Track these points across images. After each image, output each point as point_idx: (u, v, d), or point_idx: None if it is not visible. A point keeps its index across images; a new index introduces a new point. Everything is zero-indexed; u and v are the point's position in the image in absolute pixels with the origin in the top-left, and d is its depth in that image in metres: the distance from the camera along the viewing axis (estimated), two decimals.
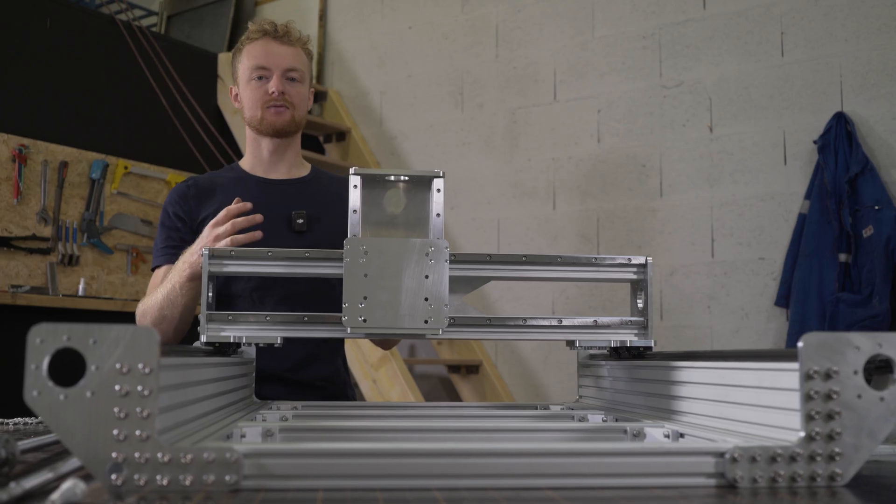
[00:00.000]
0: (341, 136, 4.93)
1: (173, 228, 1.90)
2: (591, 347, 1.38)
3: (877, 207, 3.22)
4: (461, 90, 4.49)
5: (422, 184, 1.29)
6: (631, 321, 1.34)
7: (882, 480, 0.82)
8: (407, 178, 1.29)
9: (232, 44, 5.24)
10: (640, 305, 1.35)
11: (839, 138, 3.36)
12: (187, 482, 0.69)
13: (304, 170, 2.04)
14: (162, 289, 1.72)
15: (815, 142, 3.45)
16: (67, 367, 0.73)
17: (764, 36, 3.65)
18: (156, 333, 0.70)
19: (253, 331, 1.27)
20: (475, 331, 1.31)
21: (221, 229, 1.56)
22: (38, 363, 0.68)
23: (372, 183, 1.28)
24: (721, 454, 0.75)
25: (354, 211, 1.25)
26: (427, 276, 1.21)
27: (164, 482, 0.69)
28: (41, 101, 3.82)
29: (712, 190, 3.71)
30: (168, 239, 1.89)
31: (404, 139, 4.69)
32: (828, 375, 0.76)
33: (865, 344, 0.76)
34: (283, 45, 1.93)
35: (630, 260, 1.34)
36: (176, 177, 4.24)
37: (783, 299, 3.45)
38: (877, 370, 0.78)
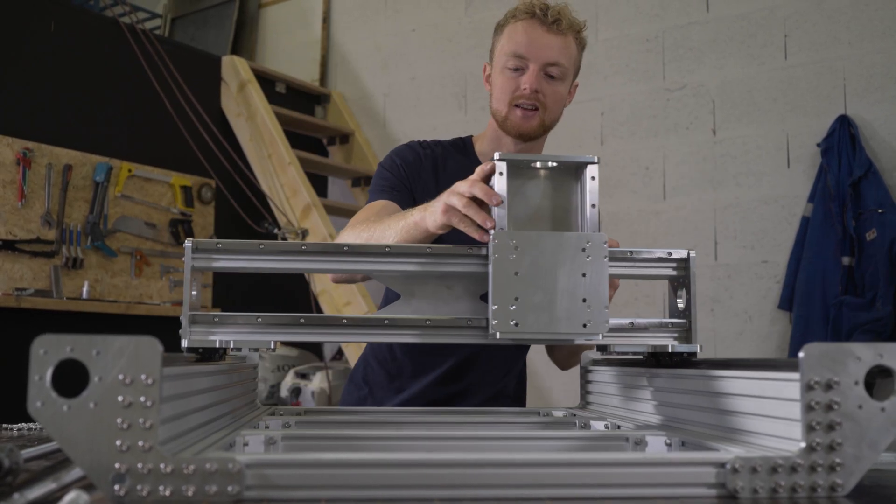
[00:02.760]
0: (345, 138, 4.94)
1: (394, 169, 1.72)
2: (625, 353, 1.24)
3: (880, 210, 3.22)
4: (465, 92, 4.49)
5: (571, 171, 1.15)
6: (672, 323, 1.21)
7: (883, 490, 0.82)
8: (555, 164, 1.15)
9: (236, 46, 5.26)
10: (682, 305, 1.21)
11: (842, 141, 3.35)
12: (190, 493, 0.69)
13: None
14: (388, 219, 1.44)
15: (818, 145, 3.44)
16: (70, 377, 0.73)
17: (767, 39, 3.65)
18: (158, 344, 0.70)
19: (243, 334, 1.12)
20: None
21: (463, 188, 1.19)
22: (41, 374, 0.68)
23: (517, 170, 1.14)
24: (722, 464, 0.75)
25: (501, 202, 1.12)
26: (584, 275, 1.07)
27: (167, 493, 0.69)
28: (45, 104, 3.83)
29: (716, 193, 3.71)
30: (384, 180, 1.70)
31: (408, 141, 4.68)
32: (829, 386, 0.76)
33: (866, 354, 0.76)
34: (550, 32, 1.63)
35: (670, 254, 1.20)
36: (180, 180, 4.25)
37: (786, 302, 3.45)
38: (880, 374, 0.78)
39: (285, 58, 5.26)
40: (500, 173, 1.12)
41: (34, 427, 1.36)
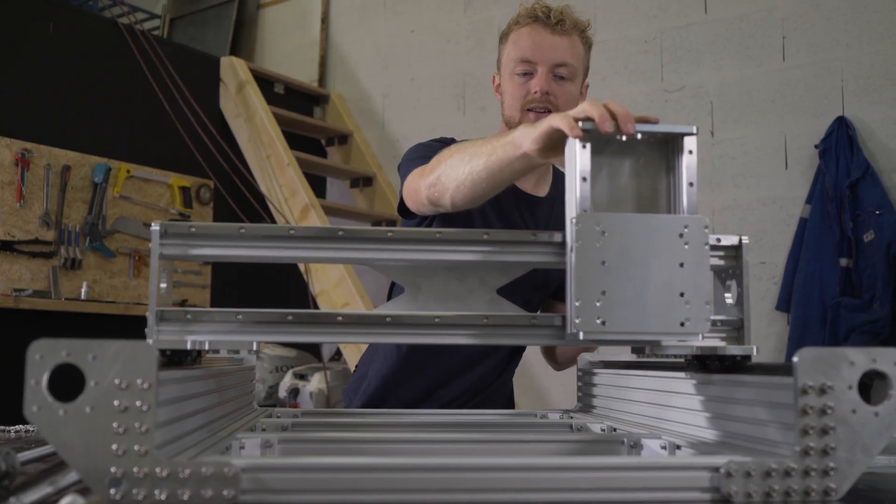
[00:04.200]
0: (343, 139, 4.94)
1: (440, 142, 1.66)
2: (666, 355, 1.11)
3: (878, 212, 3.22)
4: (464, 93, 4.49)
5: (661, 144, 1.00)
6: (722, 321, 1.04)
7: (877, 494, 0.82)
8: (646, 136, 0.99)
9: (235, 47, 5.26)
10: (731, 301, 1.05)
11: (840, 143, 3.36)
12: (185, 497, 0.70)
13: (548, 178, 1.79)
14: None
15: (816, 146, 3.45)
16: (64, 379, 0.74)
17: (766, 40, 3.66)
18: (154, 349, 0.71)
19: (221, 334, 0.95)
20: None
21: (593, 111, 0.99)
22: (37, 378, 0.69)
23: (600, 145, 0.99)
24: (716, 469, 0.75)
25: (584, 179, 0.95)
26: (682, 265, 0.92)
27: (163, 497, 0.69)
28: (44, 105, 3.83)
29: (714, 194, 3.71)
30: (431, 147, 1.60)
31: (407, 142, 4.68)
32: (823, 390, 0.76)
33: (860, 359, 0.76)
34: (555, 34, 1.64)
35: (719, 240, 1.03)
36: (178, 180, 4.25)
37: (784, 303, 3.45)
38: (877, 374, 0.78)
39: (284, 59, 5.26)
40: (584, 146, 0.96)
41: (32, 429, 1.36)
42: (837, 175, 3.33)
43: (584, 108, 0.98)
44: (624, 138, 0.97)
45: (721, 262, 1.04)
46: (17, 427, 1.36)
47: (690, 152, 0.97)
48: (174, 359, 0.98)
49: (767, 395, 0.85)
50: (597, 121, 0.96)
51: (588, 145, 0.96)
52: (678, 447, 0.98)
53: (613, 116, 0.96)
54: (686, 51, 3.85)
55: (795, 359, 0.76)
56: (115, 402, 0.69)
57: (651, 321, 0.91)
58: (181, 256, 0.96)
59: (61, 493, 0.73)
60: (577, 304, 0.90)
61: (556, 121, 1.01)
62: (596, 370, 1.47)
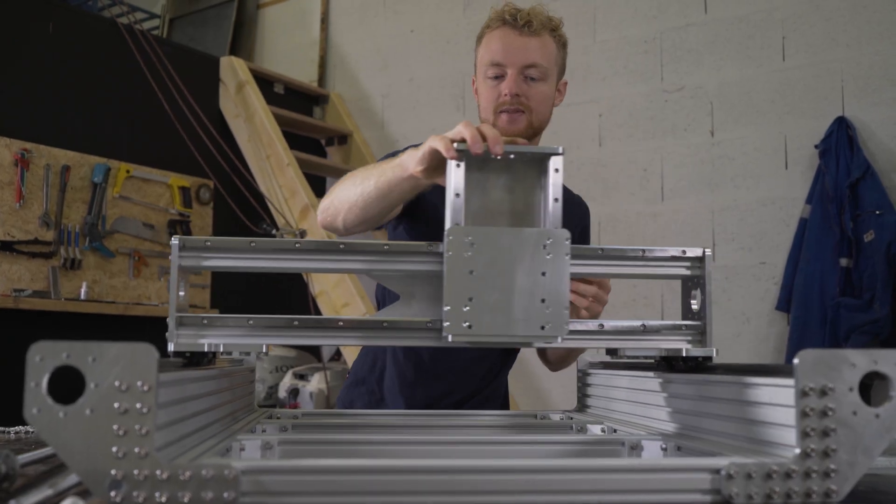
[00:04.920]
0: (343, 139, 4.94)
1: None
2: (636, 357, 1.20)
3: (878, 212, 3.22)
4: (463, 93, 4.49)
5: (534, 163, 1.09)
6: (686, 325, 1.13)
7: (878, 496, 0.82)
8: (521, 155, 1.08)
9: (234, 47, 5.26)
10: (696, 307, 1.14)
11: (840, 143, 3.36)
12: (186, 499, 0.69)
13: None
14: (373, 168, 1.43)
15: (816, 146, 3.45)
16: (64, 381, 0.74)
17: (765, 41, 3.66)
18: (155, 351, 0.71)
19: (233, 337, 1.05)
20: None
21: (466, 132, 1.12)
22: (37, 381, 0.69)
23: (476, 162, 1.08)
24: (717, 470, 0.75)
25: (457, 195, 1.05)
26: (544, 273, 1.01)
27: (163, 499, 0.69)
28: (43, 105, 3.83)
29: (713, 195, 3.71)
30: (391, 156, 1.60)
31: (406, 142, 4.67)
32: (823, 392, 0.76)
33: (861, 361, 0.76)
34: (523, 36, 1.65)
35: (684, 252, 1.13)
36: (178, 180, 4.25)
37: (784, 304, 3.46)
38: (878, 375, 0.78)
39: (284, 59, 5.26)
40: (458, 165, 1.06)
41: (32, 431, 1.36)
42: (837, 175, 3.33)
43: (459, 131, 1.10)
44: (499, 157, 1.07)
45: (687, 273, 1.12)
46: (17, 428, 1.36)
47: (556, 171, 1.06)
48: (193, 360, 1.07)
49: (768, 396, 0.85)
50: (469, 142, 1.06)
51: (462, 164, 1.06)
52: (679, 449, 0.98)
53: (485, 138, 1.06)
54: (686, 51, 3.85)
55: (796, 360, 0.76)
56: (116, 405, 0.69)
57: (514, 325, 1.01)
58: (197, 267, 1.06)
59: (61, 495, 0.73)
60: (446, 308, 1.00)
61: (434, 142, 1.11)
62: (596, 371, 1.47)
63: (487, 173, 1.09)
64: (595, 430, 1.28)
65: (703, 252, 1.12)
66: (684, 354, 1.09)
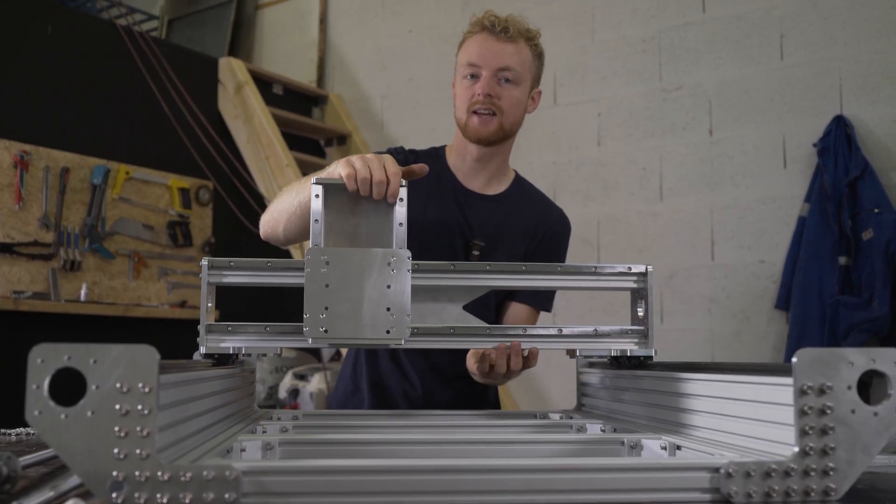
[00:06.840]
0: (342, 139, 4.94)
1: None
2: (591, 356, 1.41)
3: (876, 210, 3.22)
4: None
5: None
6: (632, 330, 1.34)
7: (877, 494, 0.82)
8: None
9: (233, 48, 5.26)
10: (641, 314, 1.34)
11: (839, 142, 3.36)
12: (187, 500, 0.70)
13: (505, 181, 1.88)
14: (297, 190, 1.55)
15: (814, 145, 3.45)
16: (65, 383, 0.74)
17: (764, 39, 3.66)
18: (155, 353, 0.71)
19: (253, 341, 1.26)
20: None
21: (374, 174, 1.28)
22: (38, 383, 0.69)
23: (335, 192, 1.27)
24: (716, 469, 0.76)
25: (316, 221, 1.25)
26: (389, 286, 1.21)
27: (164, 500, 0.70)
28: (42, 107, 3.83)
29: (713, 193, 3.72)
30: None
31: (406, 142, 4.66)
32: (822, 391, 0.76)
33: (859, 359, 0.77)
34: (500, 41, 1.74)
35: (630, 269, 1.33)
36: (177, 182, 4.25)
37: (783, 302, 3.46)
38: (875, 374, 0.78)
39: (282, 59, 5.26)
40: (317, 196, 1.25)
41: (33, 432, 1.36)
42: (836, 174, 3.33)
43: (349, 170, 1.27)
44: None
45: (634, 285, 1.34)
46: (18, 430, 1.36)
47: (401, 200, 1.27)
48: (220, 361, 1.27)
49: (767, 395, 0.86)
50: (345, 180, 1.25)
51: (320, 195, 1.26)
52: (678, 447, 0.98)
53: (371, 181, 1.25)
54: (684, 50, 3.86)
55: (794, 359, 0.76)
56: (117, 406, 0.70)
57: (364, 329, 1.21)
58: (220, 283, 1.27)
59: (63, 496, 0.73)
60: (306, 315, 1.20)
61: (339, 168, 1.28)
62: (595, 371, 1.47)
63: (350, 200, 1.28)
64: (595, 429, 1.28)
65: (646, 268, 1.33)
66: (629, 354, 1.32)
